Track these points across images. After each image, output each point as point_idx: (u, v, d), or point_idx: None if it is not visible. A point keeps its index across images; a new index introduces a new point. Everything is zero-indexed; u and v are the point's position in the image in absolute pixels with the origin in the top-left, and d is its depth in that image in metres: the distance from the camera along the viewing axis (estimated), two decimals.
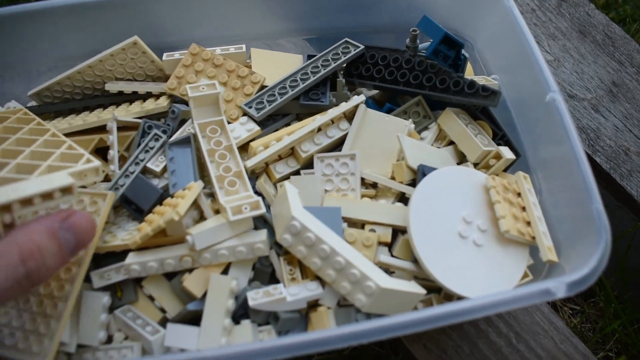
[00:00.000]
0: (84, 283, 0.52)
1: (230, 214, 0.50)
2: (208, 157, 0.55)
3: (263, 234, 0.52)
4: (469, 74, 0.68)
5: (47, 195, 0.44)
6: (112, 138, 0.58)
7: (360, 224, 0.55)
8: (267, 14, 0.70)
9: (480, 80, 0.64)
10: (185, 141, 0.57)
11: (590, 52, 0.85)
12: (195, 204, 0.53)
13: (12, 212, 0.42)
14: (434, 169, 0.55)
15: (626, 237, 0.77)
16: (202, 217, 0.54)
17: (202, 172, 0.56)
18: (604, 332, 0.75)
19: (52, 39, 0.67)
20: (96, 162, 0.50)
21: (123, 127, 0.61)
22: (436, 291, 0.54)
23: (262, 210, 0.51)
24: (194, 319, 0.51)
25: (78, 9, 0.64)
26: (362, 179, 0.58)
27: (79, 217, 0.43)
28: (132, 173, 0.56)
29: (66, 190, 0.44)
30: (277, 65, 0.66)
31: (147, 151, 0.57)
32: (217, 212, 0.53)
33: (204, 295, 0.50)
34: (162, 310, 0.53)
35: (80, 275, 0.49)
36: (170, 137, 0.60)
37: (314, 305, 0.52)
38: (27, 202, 0.43)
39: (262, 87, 0.63)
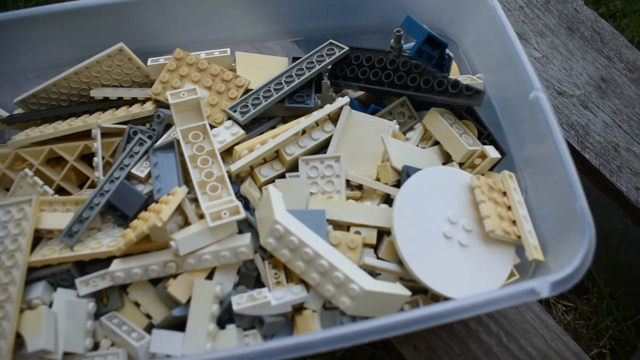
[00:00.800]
0: (70, 290, 0.53)
1: (209, 220, 0.50)
2: (190, 163, 0.54)
3: (247, 238, 0.52)
4: (454, 73, 0.68)
5: None
6: (97, 145, 0.58)
7: (346, 226, 0.55)
8: (253, 17, 0.70)
9: (466, 79, 0.64)
10: (169, 146, 0.57)
11: (578, 48, 0.84)
12: (180, 209, 0.53)
13: None
14: (418, 169, 0.55)
15: (618, 233, 0.77)
16: (186, 222, 0.54)
17: (187, 177, 0.56)
18: (598, 329, 0.75)
19: (39, 46, 0.67)
20: None
21: (109, 133, 0.61)
22: (422, 292, 0.54)
23: (242, 215, 0.51)
24: (179, 324, 0.51)
25: (64, 15, 0.64)
26: (347, 181, 0.57)
27: None
28: (117, 178, 0.56)
29: None
30: (262, 68, 0.66)
31: (131, 156, 0.57)
32: (201, 217, 0.53)
33: (189, 300, 0.50)
34: (148, 316, 0.53)
35: (19, 292, 0.51)
36: (157, 141, 0.60)
37: (299, 308, 0.52)
38: None
39: (247, 90, 0.63)
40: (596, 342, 0.75)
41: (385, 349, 0.69)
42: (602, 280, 0.77)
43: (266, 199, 0.52)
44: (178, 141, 0.57)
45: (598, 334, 0.76)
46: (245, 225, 0.54)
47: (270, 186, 0.54)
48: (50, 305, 0.52)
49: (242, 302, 0.49)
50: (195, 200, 0.55)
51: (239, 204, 0.51)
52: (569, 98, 0.80)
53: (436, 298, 0.54)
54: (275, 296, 0.50)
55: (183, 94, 0.57)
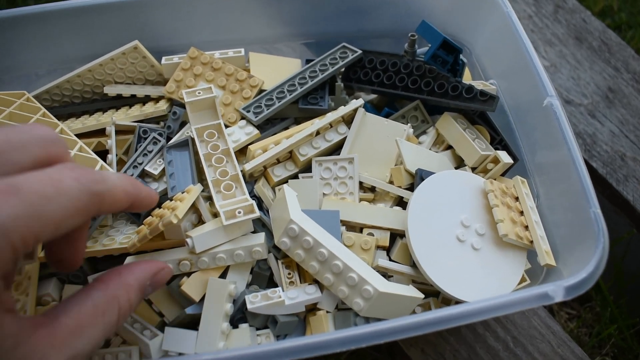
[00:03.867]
0: (79, 286, 0.53)
1: (223, 218, 0.50)
2: (205, 162, 0.55)
3: (261, 237, 0.52)
4: (466, 79, 0.68)
5: None
6: (111, 142, 0.58)
7: (359, 228, 0.55)
8: (265, 18, 0.70)
9: (479, 85, 0.64)
10: (184, 144, 0.57)
11: (586, 58, 0.85)
12: (194, 207, 0.53)
13: None
14: (432, 173, 0.55)
15: (622, 242, 0.77)
16: (200, 221, 0.54)
17: (201, 175, 0.56)
18: (601, 337, 0.75)
19: (51, 42, 0.66)
20: (112, 171, 0.53)
21: (122, 130, 0.61)
22: (434, 295, 0.54)
23: (256, 214, 0.51)
24: (192, 322, 0.51)
25: (77, 12, 0.64)
26: (360, 183, 0.58)
27: (165, 274, 0.44)
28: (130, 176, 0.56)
29: None
30: (275, 69, 0.66)
31: (145, 155, 0.57)
32: (215, 215, 0.53)
33: (202, 298, 0.50)
34: (160, 314, 0.53)
35: (33, 286, 0.52)
36: (171, 138, 0.60)
37: (312, 309, 0.52)
38: None
39: (261, 90, 0.63)
40: (599, 350, 0.76)
41: (389, 352, 0.69)
42: (606, 288, 0.78)
43: (281, 198, 0.52)
44: (192, 139, 0.57)
45: (601, 342, 0.76)
46: (259, 225, 0.54)
47: (285, 186, 0.54)
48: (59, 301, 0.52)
49: (256, 301, 0.49)
50: (209, 198, 0.55)
51: (253, 202, 0.51)
52: (576, 107, 0.81)
53: (447, 301, 0.54)
54: (289, 296, 0.50)
55: (199, 93, 0.57)
